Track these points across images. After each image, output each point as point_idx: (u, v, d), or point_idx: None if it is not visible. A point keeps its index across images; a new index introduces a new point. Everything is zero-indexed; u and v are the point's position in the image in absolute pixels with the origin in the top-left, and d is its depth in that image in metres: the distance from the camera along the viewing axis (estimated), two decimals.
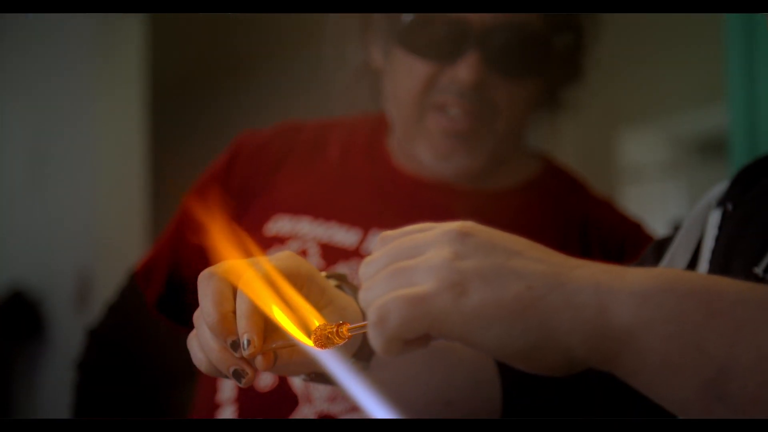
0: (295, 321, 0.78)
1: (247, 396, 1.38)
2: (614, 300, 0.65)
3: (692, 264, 0.96)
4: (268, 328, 0.80)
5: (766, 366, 0.62)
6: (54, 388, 4.02)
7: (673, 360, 0.64)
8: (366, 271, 0.71)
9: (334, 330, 0.76)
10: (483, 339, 0.66)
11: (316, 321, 0.77)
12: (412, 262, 0.68)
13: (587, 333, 0.65)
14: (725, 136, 2.81)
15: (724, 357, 0.63)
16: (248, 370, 0.81)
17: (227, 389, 1.40)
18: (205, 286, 0.82)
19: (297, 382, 1.36)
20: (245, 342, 0.79)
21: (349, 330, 0.76)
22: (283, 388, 1.36)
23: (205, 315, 0.81)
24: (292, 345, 0.79)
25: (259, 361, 0.81)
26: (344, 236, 1.43)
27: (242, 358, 0.81)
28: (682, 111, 4.23)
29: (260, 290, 0.80)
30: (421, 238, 0.70)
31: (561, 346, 0.66)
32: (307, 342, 0.76)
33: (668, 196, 4.35)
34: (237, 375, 0.81)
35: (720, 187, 1.00)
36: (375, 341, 0.68)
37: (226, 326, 0.80)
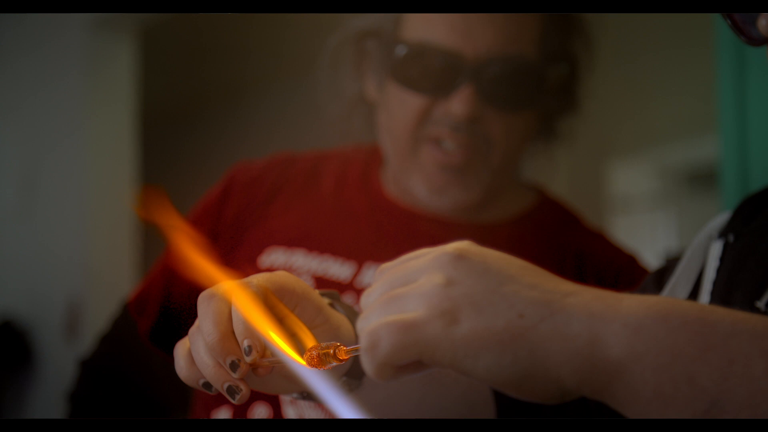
0: (289, 339, 0.79)
1: None
2: (606, 331, 0.65)
3: (693, 295, 0.96)
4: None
5: (759, 399, 0.62)
6: (43, 418, 3.99)
7: (666, 392, 0.64)
8: (365, 301, 0.71)
9: (331, 351, 0.76)
10: (473, 367, 0.66)
11: (309, 341, 0.78)
12: (405, 289, 0.68)
13: (578, 364, 0.65)
14: (715, 166, 2.81)
15: (717, 390, 0.63)
16: (242, 386, 0.81)
17: (221, 415, 1.39)
18: (206, 306, 0.83)
19: (290, 413, 1.35)
20: (246, 348, 0.80)
21: (346, 352, 0.76)
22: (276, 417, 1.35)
23: (205, 335, 0.82)
24: (287, 362, 0.79)
25: (259, 373, 0.81)
26: (339, 270, 1.42)
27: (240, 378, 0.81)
28: (672, 142, 4.24)
29: (254, 306, 0.80)
30: (415, 265, 0.70)
31: (551, 376, 0.65)
32: (299, 360, 0.77)
33: (658, 226, 4.36)
34: (231, 391, 0.82)
35: (721, 218, 1.00)
36: (367, 367, 0.68)
37: (226, 346, 0.81)
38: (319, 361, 0.77)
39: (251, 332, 0.80)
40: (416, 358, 0.67)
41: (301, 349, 0.78)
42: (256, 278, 0.84)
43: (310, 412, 1.34)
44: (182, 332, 1.49)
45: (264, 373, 0.82)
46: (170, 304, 1.50)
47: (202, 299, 0.84)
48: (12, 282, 4.31)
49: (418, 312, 0.66)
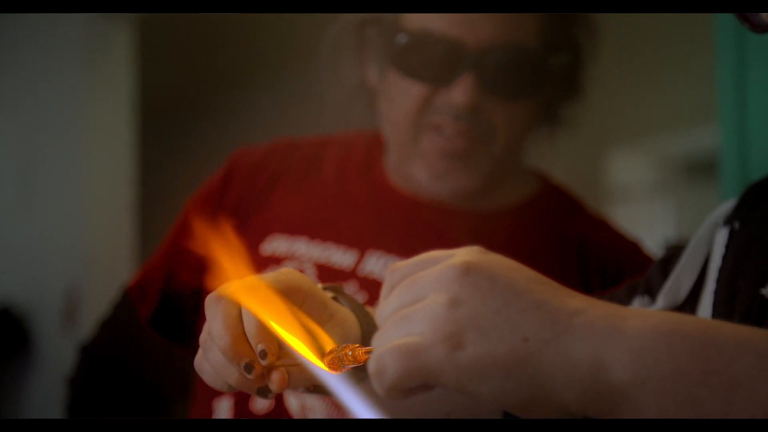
0: (305, 341, 0.78)
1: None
2: (610, 356, 0.65)
3: (699, 283, 0.96)
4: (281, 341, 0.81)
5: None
6: (41, 405, 4.00)
7: (670, 415, 0.64)
8: (379, 316, 0.71)
9: (350, 353, 0.76)
10: (477, 391, 0.66)
11: (329, 343, 0.77)
12: (412, 309, 0.68)
13: (582, 390, 0.65)
14: (713, 156, 2.81)
15: (722, 415, 0.63)
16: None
17: (223, 411, 1.39)
18: (214, 309, 0.82)
19: (293, 405, 1.35)
20: (261, 351, 0.80)
21: (365, 353, 0.75)
22: (278, 411, 1.35)
23: (216, 339, 0.81)
24: (301, 364, 0.79)
25: (275, 380, 0.81)
26: (341, 257, 1.42)
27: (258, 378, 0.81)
28: (671, 131, 4.24)
29: (266, 308, 0.80)
30: (424, 279, 0.69)
31: (555, 401, 0.66)
32: (319, 364, 0.77)
33: (656, 216, 4.36)
34: (262, 392, 0.82)
35: (727, 206, 0.99)
36: (377, 390, 0.69)
37: (239, 349, 0.80)
38: (338, 363, 0.76)
39: (264, 336, 0.80)
40: (422, 382, 0.67)
41: (318, 348, 0.78)
42: (264, 278, 0.83)
43: (311, 400, 1.35)
44: (182, 319, 1.49)
45: (282, 387, 0.82)
46: (171, 290, 1.50)
47: (209, 303, 0.83)
48: (11, 269, 4.31)
49: (424, 336, 0.66)
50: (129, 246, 3.98)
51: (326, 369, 0.76)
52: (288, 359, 0.81)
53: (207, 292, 0.85)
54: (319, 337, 0.78)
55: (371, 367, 0.68)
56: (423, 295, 0.68)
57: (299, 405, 1.35)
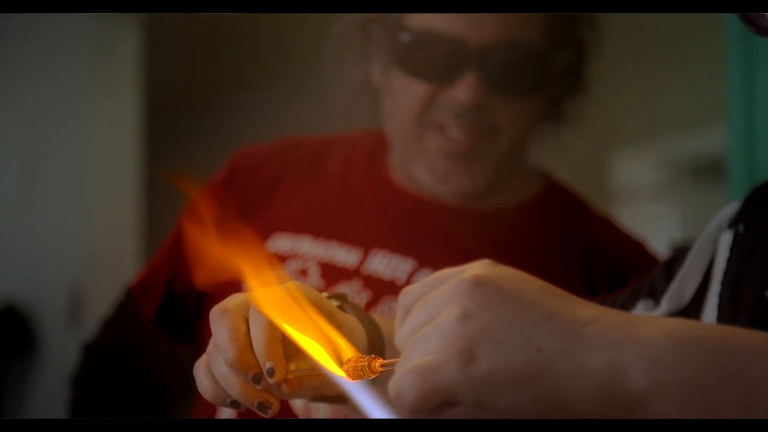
0: (325, 348, 0.77)
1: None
2: (625, 364, 0.64)
3: (703, 286, 0.95)
4: (288, 352, 0.80)
5: None
6: (45, 404, 4.00)
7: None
8: (398, 341, 0.71)
9: (366, 364, 0.75)
10: (494, 404, 0.65)
11: (349, 351, 0.77)
12: (427, 328, 0.68)
13: (598, 399, 0.65)
14: (719, 158, 2.80)
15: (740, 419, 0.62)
16: (272, 400, 0.81)
17: (226, 410, 1.38)
18: (219, 321, 0.82)
19: (298, 406, 1.35)
20: (269, 370, 0.79)
21: (381, 365, 0.75)
22: (283, 412, 1.35)
23: (222, 351, 0.81)
24: (317, 372, 0.78)
25: (285, 387, 0.80)
26: (345, 256, 1.42)
27: (265, 389, 0.80)
28: (677, 133, 4.23)
29: (283, 316, 0.79)
30: (436, 297, 0.69)
31: (572, 410, 0.65)
32: (338, 372, 0.76)
33: (661, 217, 4.35)
34: (262, 407, 0.81)
35: (731, 208, 0.99)
36: (400, 413, 0.68)
37: (245, 361, 0.80)
38: (357, 372, 0.76)
39: (272, 353, 0.80)
40: (441, 401, 0.67)
41: (339, 360, 0.77)
42: (274, 291, 0.82)
43: None
44: (186, 317, 1.49)
45: (293, 394, 0.81)
46: (174, 289, 1.50)
47: (214, 315, 0.83)
48: (15, 267, 4.31)
49: (437, 353, 0.66)
50: (133, 244, 3.99)
51: (345, 377, 0.75)
52: (296, 369, 0.80)
53: (210, 292, 0.84)
54: (336, 344, 0.78)
55: (391, 391, 0.68)
56: (437, 313, 0.68)
57: (304, 404, 1.34)
